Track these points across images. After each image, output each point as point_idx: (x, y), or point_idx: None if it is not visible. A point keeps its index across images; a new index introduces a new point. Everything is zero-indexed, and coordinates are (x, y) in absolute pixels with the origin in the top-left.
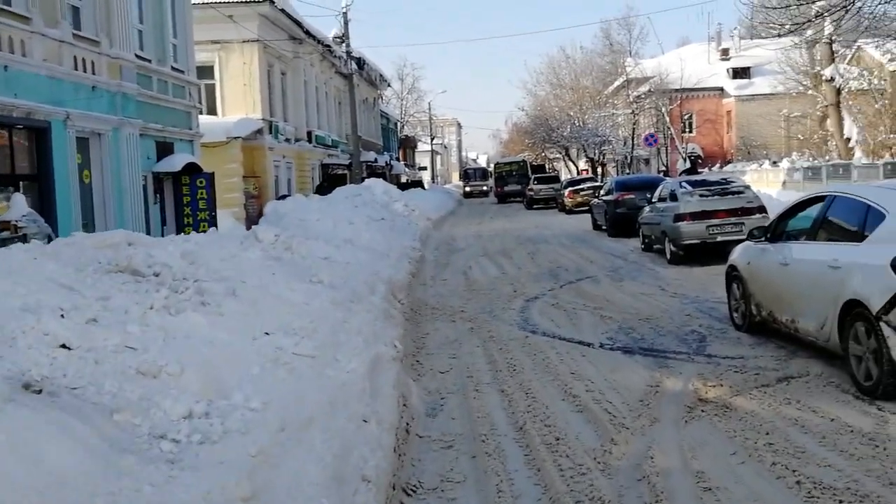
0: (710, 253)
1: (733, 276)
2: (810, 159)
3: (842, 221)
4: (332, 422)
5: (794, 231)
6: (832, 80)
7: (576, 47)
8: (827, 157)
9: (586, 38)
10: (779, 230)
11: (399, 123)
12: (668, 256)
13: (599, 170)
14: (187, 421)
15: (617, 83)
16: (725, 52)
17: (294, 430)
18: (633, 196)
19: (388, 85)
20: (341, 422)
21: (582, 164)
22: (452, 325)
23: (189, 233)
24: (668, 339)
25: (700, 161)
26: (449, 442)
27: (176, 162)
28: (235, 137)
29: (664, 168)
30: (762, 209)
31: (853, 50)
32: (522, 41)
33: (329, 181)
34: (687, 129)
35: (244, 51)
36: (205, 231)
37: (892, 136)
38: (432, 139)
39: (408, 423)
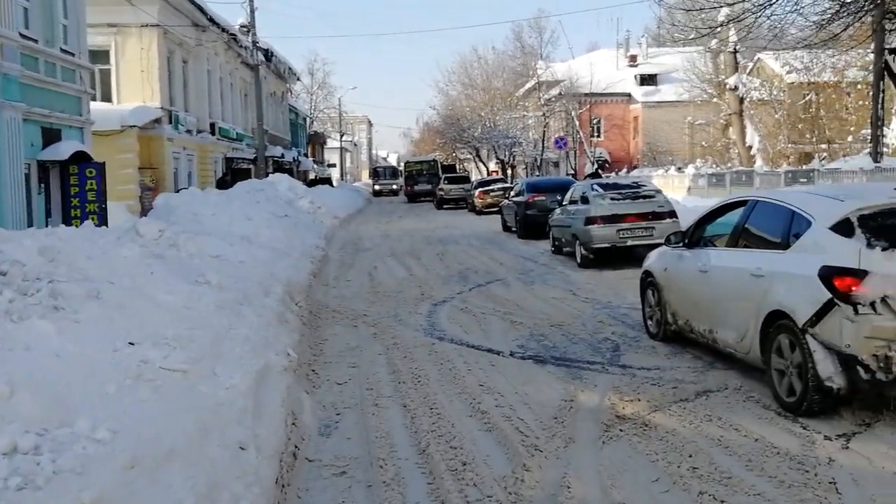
0: (621, 257)
1: (648, 282)
2: (713, 166)
3: (765, 228)
4: (201, 452)
5: (714, 237)
6: (736, 88)
7: (488, 48)
8: (729, 164)
9: (498, 39)
10: (697, 236)
11: (308, 119)
12: (579, 260)
13: (509, 171)
14: (7, 459)
15: (528, 85)
16: (633, 58)
17: (148, 465)
18: (543, 198)
19: (298, 79)
20: (212, 451)
21: (492, 166)
22: (354, 331)
23: (78, 226)
24: (581, 347)
25: (607, 165)
26: (342, 468)
27: (63, 150)
28: (131, 126)
29: (573, 171)
30: (673, 214)
31: (754, 61)
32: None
33: (232, 175)
34: (595, 134)
35: (143, 36)
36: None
37: (790, 145)
38: (342, 136)
39: (296, 446)
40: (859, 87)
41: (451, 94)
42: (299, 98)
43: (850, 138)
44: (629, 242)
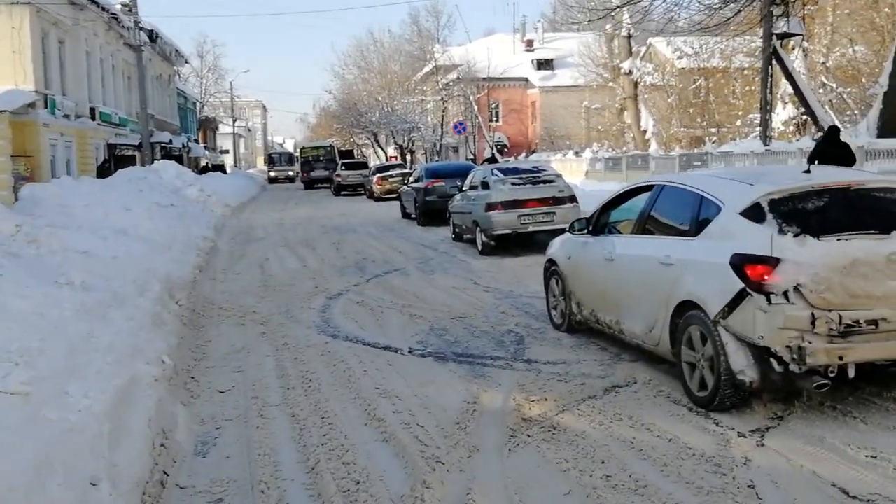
0: (521, 243)
1: (552, 271)
2: (610, 150)
3: (673, 214)
4: (37, 496)
5: (620, 223)
6: (630, 73)
7: (384, 31)
8: (625, 148)
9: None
10: (602, 222)
11: (199, 104)
12: (480, 247)
13: (408, 157)
14: None
15: (426, 69)
16: (530, 43)
17: None
18: (443, 184)
19: (186, 61)
20: (53, 493)
21: (391, 151)
22: (241, 330)
23: None
24: (484, 341)
25: (506, 150)
26: (218, 494)
27: None
28: (1, 111)
29: (472, 156)
30: (573, 198)
31: (646, 46)
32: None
33: (115, 162)
34: (494, 118)
35: (13, 13)
36: None
37: (682, 129)
38: (234, 121)
39: (165, 472)
40: (746, 72)
41: (347, 78)
42: (188, 82)
43: (738, 122)
44: (530, 228)
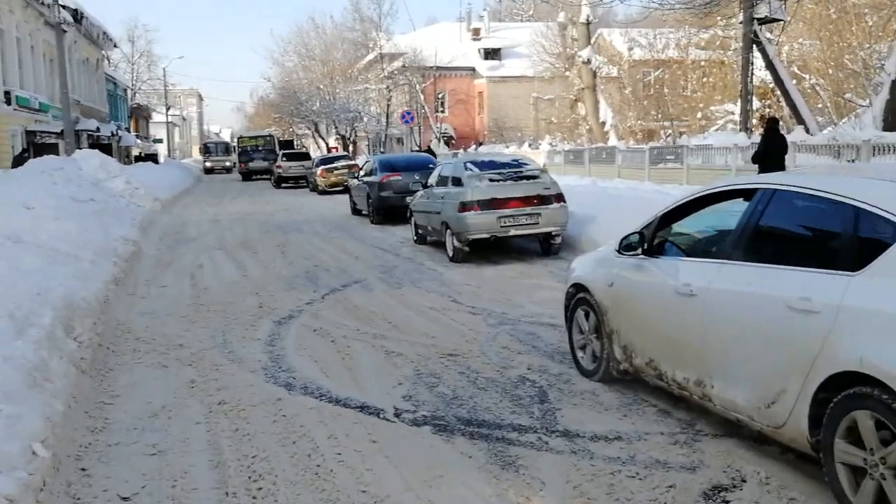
0: (496, 247)
1: (579, 299)
2: (563, 142)
3: (804, 233)
4: None
5: (699, 242)
6: (589, 62)
7: (326, 17)
8: (578, 141)
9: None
10: (662, 239)
11: (130, 91)
12: (451, 253)
13: (351, 147)
14: None
15: (369, 57)
16: (476, 32)
17: None
18: (399, 178)
19: (115, 45)
20: None
21: (331, 141)
22: (162, 376)
23: None
24: (494, 396)
25: (453, 141)
26: None
27: None
28: None
29: (417, 147)
30: (561, 197)
31: (595, 36)
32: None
33: (34, 151)
34: (440, 109)
35: None
36: None
37: (639, 122)
38: (167, 109)
39: None
40: (703, 64)
41: (287, 66)
42: (118, 68)
43: (698, 115)
44: (511, 232)
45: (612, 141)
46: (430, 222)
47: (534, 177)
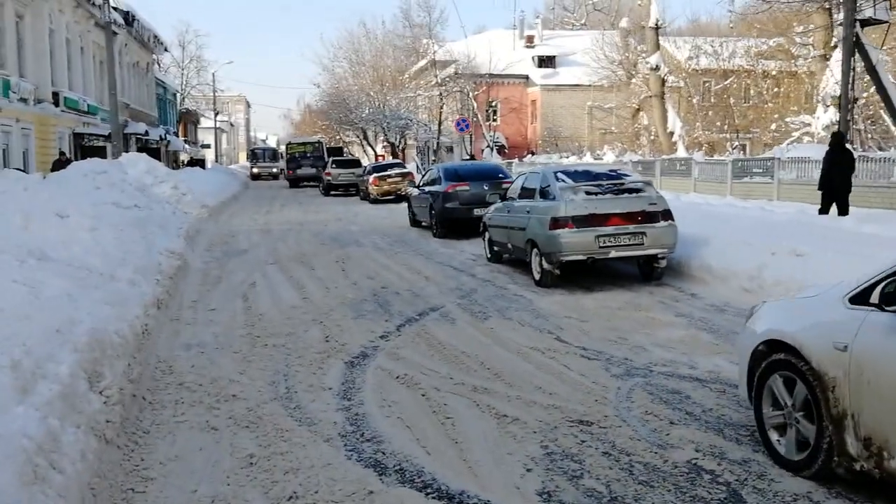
0: (587, 271)
1: (779, 363)
2: (626, 153)
3: None
4: None
5: None
6: (657, 68)
7: (377, 23)
8: (640, 152)
9: (387, 14)
10: None
11: (179, 95)
12: (538, 276)
13: (400, 155)
14: None
15: (420, 64)
16: (530, 39)
17: None
18: (467, 188)
19: (166, 49)
20: None
21: (379, 149)
22: (211, 445)
23: None
24: (668, 498)
25: (505, 150)
26: None
27: None
28: None
29: (469, 156)
30: (668, 214)
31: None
32: (317, 11)
33: (83, 155)
34: (492, 117)
35: None
36: None
37: (706, 132)
38: (216, 114)
39: None
40: (774, 74)
41: (336, 72)
42: (169, 73)
43: (772, 126)
44: (612, 254)
45: (681, 152)
46: (510, 239)
47: (637, 190)
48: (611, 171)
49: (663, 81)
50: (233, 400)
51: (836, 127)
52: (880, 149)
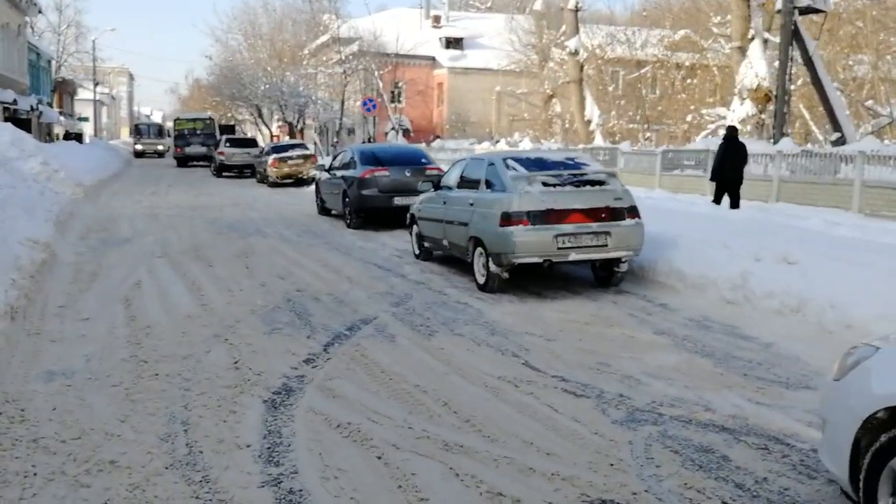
0: (533, 274)
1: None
2: (543, 141)
3: None
4: None
5: None
6: (576, 52)
7: None
8: (553, 139)
9: None
10: None
11: (55, 63)
12: (482, 280)
13: (298, 136)
14: None
15: (321, 39)
16: (437, 19)
17: None
18: (386, 173)
19: (40, 11)
20: None
21: (275, 129)
22: None
23: None
24: None
25: (411, 134)
26: None
27: None
28: None
29: (370, 138)
30: (635, 211)
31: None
32: None
33: None
34: (396, 99)
35: None
36: None
37: (619, 122)
38: (96, 85)
39: None
40: (688, 65)
41: (230, 45)
42: (43, 38)
43: (688, 118)
44: (572, 256)
45: (598, 141)
46: (447, 235)
47: (600, 182)
48: (567, 159)
49: (582, 67)
50: (110, 470)
51: (757, 121)
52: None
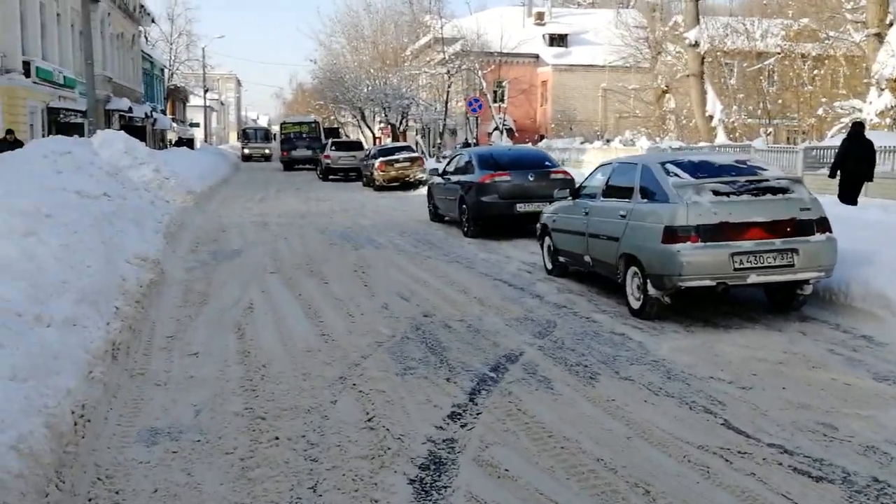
0: (704, 298)
1: None
2: (657, 139)
3: None
4: None
5: None
6: (697, 44)
7: None
8: (667, 137)
9: None
10: None
11: (167, 71)
12: (636, 304)
13: (401, 138)
14: None
15: (423, 40)
16: (540, 16)
17: None
18: (508, 178)
19: (153, 20)
20: None
21: (377, 131)
22: None
23: None
24: None
25: (515, 135)
26: None
27: None
28: None
29: (474, 140)
30: (825, 224)
31: (671, 22)
32: None
33: (57, 132)
34: (500, 99)
35: None
36: None
37: (740, 118)
38: (206, 91)
39: None
40: (815, 56)
41: (333, 48)
42: (156, 47)
43: (819, 111)
44: (751, 278)
45: (721, 138)
46: (590, 251)
47: (783, 189)
48: (738, 162)
49: (703, 59)
50: None
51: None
52: None
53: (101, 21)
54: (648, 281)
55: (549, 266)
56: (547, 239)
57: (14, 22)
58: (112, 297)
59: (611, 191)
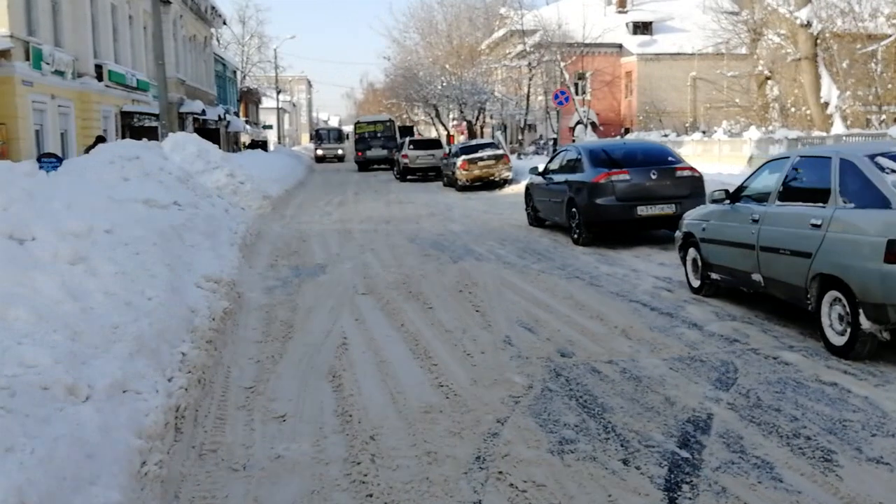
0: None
1: None
2: (763, 130)
3: None
4: None
5: None
6: (809, 24)
7: None
8: (771, 127)
9: None
10: None
11: (240, 73)
12: (840, 340)
13: (478, 134)
14: None
15: (499, 33)
16: (622, 3)
17: None
18: (626, 177)
19: (224, 22)
20: None
21: (451, 128)
22: None
23: None
24: None
25: (599, 128)
26: None
27: None
28: None
29: (554, 135)
30: None
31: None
32: None
33: (132, 136)
34: (581, 91)
35: None
36: None
37: (851, 104)
38: (278, 92)
39: None
40: None
41: (406, 45)
42: (228, 49)
43: None
44: None
45: (839, 127)
46: (762, 267)
47: None
48: None
49: (816, 40)
50: None
51: None
52: None
53: (173, 23)
54: (862, 311)
55: (696, 284)
56: (692, 251)
57: (85, 25)
58: (177, 341)
59: (791, 193)
